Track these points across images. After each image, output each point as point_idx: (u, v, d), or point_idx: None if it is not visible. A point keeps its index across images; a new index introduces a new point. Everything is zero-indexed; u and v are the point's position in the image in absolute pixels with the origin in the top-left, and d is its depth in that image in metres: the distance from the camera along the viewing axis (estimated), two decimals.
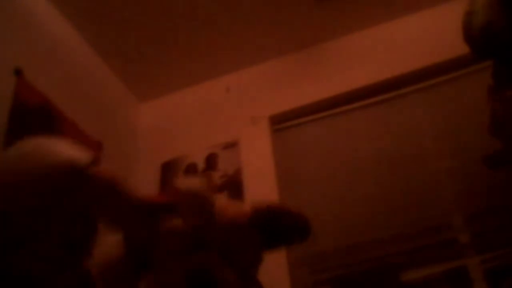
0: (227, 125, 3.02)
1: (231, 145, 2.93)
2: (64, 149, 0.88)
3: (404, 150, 2.62)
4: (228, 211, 1.08)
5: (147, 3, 2.72)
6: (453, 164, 2.49)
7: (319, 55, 3.05)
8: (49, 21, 2.58)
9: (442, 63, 2.71)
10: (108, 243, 0.97)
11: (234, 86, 3.13)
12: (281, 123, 2.98)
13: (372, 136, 2.74)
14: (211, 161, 2.94)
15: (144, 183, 2.96)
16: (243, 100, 3.07)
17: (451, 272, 2.30)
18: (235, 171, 2.84)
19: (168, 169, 3.00)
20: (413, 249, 2.38)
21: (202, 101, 3.17)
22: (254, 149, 2.88)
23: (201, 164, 2.95)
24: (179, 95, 3.24)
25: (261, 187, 2.73)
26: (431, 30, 2.81)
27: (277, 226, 1.11)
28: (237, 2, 2.78)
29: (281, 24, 2.92)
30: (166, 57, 3.03)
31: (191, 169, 2.96)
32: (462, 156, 2.46)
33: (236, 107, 3.05)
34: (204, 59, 3.08)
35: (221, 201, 1.15)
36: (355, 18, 2.94)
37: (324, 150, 2.81)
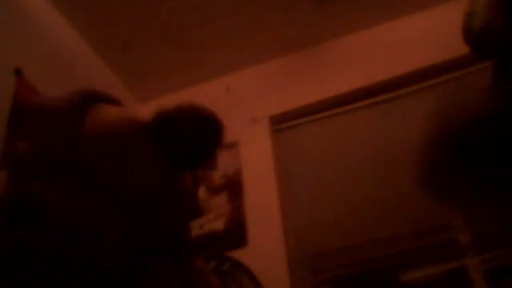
0: (227, 125, 2.99)
1: (231, 146, 2.93)
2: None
3: (404, 150, 2.61)
4: (109, 120, 0.77)
5: (147, 4, 2.72)
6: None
7: (319, 55, 3.05)
8: (49, 21, 2.58)
9: (442, 63, 2.71)
10: None
11: (234, 86, 3.14)
12: (281, 123, 2.98)
13: (372, 136, 2.74)
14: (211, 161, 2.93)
15: None
16: (243, 101, 3.07)
17: (451, 272, 2.30)
18: (235, 171, 2.84)
19: None
20: (413, 249, 2.38)
21: (202, 101, 3.15)
22: (254, 150, 2.88)
23: None
24: (179, 95, 3.24)
25: (261, 187, 2.74)
26: (431, 31, 2.81)
27: (180, 134, 0.81)
28: (237, 3, 2.78)
29: (281, 24, 2.92)
30: (166, 58, 3.03)
31: None
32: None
33: (236, 108, 3.05)
34: (204, 59, 3.08)
35: (104, 110, 0.80)
36: (355, 19, 2.94)
37: (324, 151, 2.81)
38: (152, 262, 0.69)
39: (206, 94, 3.18)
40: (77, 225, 0.65)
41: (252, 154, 2.87)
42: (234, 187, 2.80)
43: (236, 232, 2.64)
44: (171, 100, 3.21)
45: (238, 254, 2.55)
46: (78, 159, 0.68)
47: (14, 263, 0.64)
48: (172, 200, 0.77)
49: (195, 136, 0.83)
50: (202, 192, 2.86)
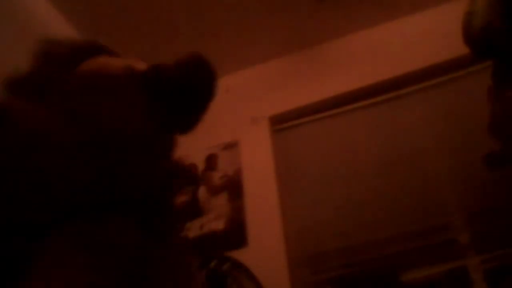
0: (227, 125, 3.02)
1: (231, 146, 2.93)
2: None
3: (405, 151, 2.62)
4: (105, 63, 0.75)
5: (146, 3, 2.72)
6: (453, 165, 2.49)
7: (319, 55, 3.05)
8: (49, 21, 2.58)
9: (442, 63, 2.71)
10: None
11: (234, 86, 3.13)
12: (281, 123, 2.98)
13: (372, 137, 2.74)
14: (211, 162, 2.94)
15: None
16: (243, 101, 3.07)
17: (451, 272, 2.30)
18: (235, 171, 2.84)
19: None
20: (413, 249, 2.38)
21: None
22: (254, 150, 2.88)
23: (201, 165, 2.95)
24: None
25: (261, 187, 2.74)
26: (431, 31, 2.81)
27: (172, 86, 0.77)
28: (236, 2, 2.78)
29: (281, 24, 2.92)
30: (166, 58, 3.03)
31: (190, 170, 2.96)
32: (462, 157, 2.46)
33: (236, 108, 3.05)
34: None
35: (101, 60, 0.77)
36: (355, 19, 2.94)
37: (325, 151, 2.81)
38: (105, 214, 0.60)
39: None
40: (35, 138, 0.61)
41: (252, 154, 2.87)
42: (234, 187, 2.80)
43: (236, 232, 2.64)
44: None
45: (238, 254, 2.55)
46: (62, 87, 0.67)
47: None
48: (152, 155, 0.72)
49: (186, 87, 0.79)
50: (202, 192, 2.86)
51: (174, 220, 0.72)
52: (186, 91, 0.77)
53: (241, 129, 2.96)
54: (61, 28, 2.67)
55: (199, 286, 0.72)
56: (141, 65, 0.76)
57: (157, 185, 0.70)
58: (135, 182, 0.66)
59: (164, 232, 0.69)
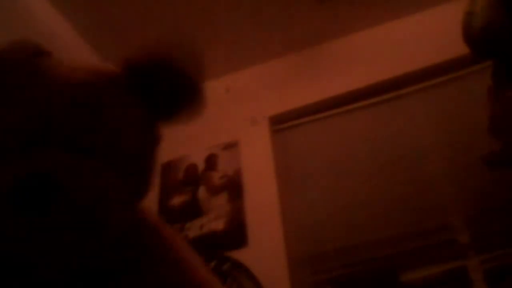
0: (227, 125, 3.02)
1: (231, 146, 2.93)
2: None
3: (404, 151, 2.62)
4: (77, 74, 0.65)
5: (146, 4, 2.72)
6: (453, 164, 2.49)
7: (319, 55, 3.05)
8: (50, 21, 2.58)
9: (442, 63, 2.71)
10: None
11: (234, 86, 3.14)
12: (281, 123, 2.98)
13: (372, 137, 2.74)
14: (211, 162, 2.94)
15: None
16: (243, 101, 3.07)
17: (451, 273, 2.30)
18: (235, 171, 2.84)
19: (168, 170, 3.00)
20: (413, 249, 2.38)
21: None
22: (254, 150, 2.88)
23: (201, 165, 2.95)
24: None
25: (261, 187, 2.74)
26: (431, 31, 2.81)
27: (158, 82, 0.71)
28: (236, 2, 2.78)
29: (281, 24, 2.92)
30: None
31: (190, 170, 2.96)
32: (462, 157, 2.46)
33: (236, 108, 3.05)
34: (204, 59, 3.08)
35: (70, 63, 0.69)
36: (355, 19, 2.94)
37: (324, 151, 2.81)
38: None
39: (206, 94, 3.18)
40: (97, 201, 0.55)
41: (252, 154, 2.87)
42: (234, 187, 2.80)
43: (236, 232, 2.64)
44: None
45: (238, 254, 2.55)
46: (60, 122, 0.57)
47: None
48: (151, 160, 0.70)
49: (171, 79, 0.75)
50: (202, 192, 2.86)
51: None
52: (168, 80, 0.74)
53: (241, 129, 2.96)
54: (62, 29, 2.67)
55: None
56: (106, 66, 0.71)
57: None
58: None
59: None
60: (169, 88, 0.72)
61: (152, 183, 0.67)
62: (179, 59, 0.76)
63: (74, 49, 2.74)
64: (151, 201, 2.90)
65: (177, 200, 2.88)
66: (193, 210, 2.81)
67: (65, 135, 0.58)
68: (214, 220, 2.73)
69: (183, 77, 0.76)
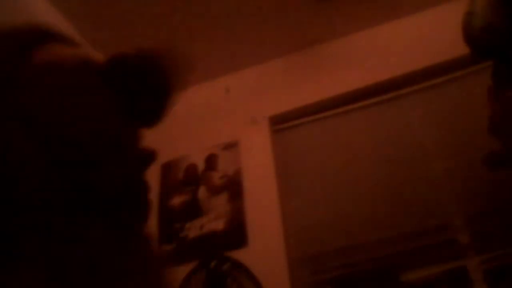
0: (227, 125, 3.02)
1: (231, 146, 2.93)
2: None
3: (404, 151, 2.62)
4: (59, 59, 0.66)
5: (146, 4, 2.72)
6: (453, 165, 2.49)
7: (319, 55, 3.05)
8: (50, 20, 2.58)
9: (442, 63, 2.71)
10: None
11: (234, 86, 3.14)
12: (281, 123, 2.98)
13: (372, 137, 2.74)
14: (211, 162, 2.94)
15: None
16: (243, 101, 3.07)
17: (451, 273, 2.30)
18: (235, 171, 2.84)
19: (168, 170, 3.00)
20: (413, 249, 2.38)
21: (202, 102, 3.17)
22: (254, 150, 2.88)
23: (201, 165, 2.95)
24: (179, 95, 3.24)
25: (261, 187, 2.74)
26: (431, 31, 2.81)
27: (134, 79, 0.71)
28: (236, 3, 2.78)
29: (281, 24, 2.92)
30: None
31: (191, 170, 2.96)
32: (462, 157, 2.46)
33: (236, 108, 3.05)
34: (204, 60, 3.08)
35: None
36: (355, 19, 2.94)
37: (324, 151, 2.81)
38: (82, 221, 0.58)
39: (206, 95, 3.18)
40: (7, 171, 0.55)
41: (252, 154, 2.87)
42: (234, 187, 2.80)
43: (236, 232, 2.64)
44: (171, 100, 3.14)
45: (238, 254, 2.55)
46: (15, 96, 0.59)
47: None
48: (122, 155, 0.67)
49: (149, 81, 0.74)
50: (202, 192, 2.86)
51: (143, 215, 0.69)
52: (149, 83, 0.73)
53: (241, 129, 2.96)
54: (60, 27, 2.67)
55: (166, 283, 0.65)
56: (97, 56, 0.70)
57: (128, 182, 0.66)
58: (107, 182, 0.64)
59: (133, 227, 0.67)
60: (140, 89, 0.71)
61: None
62: (163, 66, 0.76)
63: None
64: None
65: (177, 200, 2.88)
66: (193, 210, 2.81)
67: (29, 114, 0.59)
68: (214, 220, 2.73)
69: (158, 83, 0.75)
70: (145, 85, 0.73)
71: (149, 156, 0.75)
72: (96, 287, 0.56)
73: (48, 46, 0.68)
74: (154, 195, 2.97)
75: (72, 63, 0.67)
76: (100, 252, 0.58)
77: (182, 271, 2.57)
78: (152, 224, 2.81)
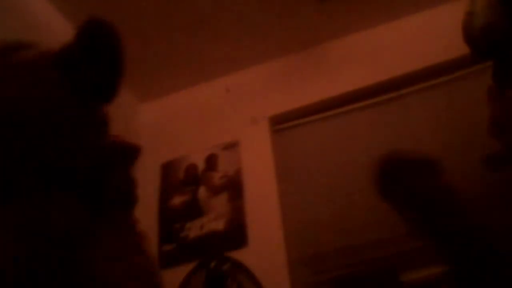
0: (227, 125, 3.02)
1: (231, 146, 2.93)
2: None
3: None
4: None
5: (146, 3, 2.72)
6: (453, 165, 2.48)
7: (320, 55, 3.05)
8: (50, 20, 2.58)
9: (443, 63, 2.71)
10: None
11: (234, 86, 3.14)
12: (281, 123, 2.98)
13: (373, 137, 2.74)
14: (211, 162, 2.94)
15: (144, 184, 2.96)
16: (243, 101, 3.08)
17: (451, 273, 2.29)
18: (235, 171, 2.84)
19: (168, 170, 3.00)
20: (413, 249, 2.38)
21: (202, 102, 3.17)
22: (254, 150, 2.88)
23: (201, 165, 2.95)
24: (179, 95, 3.24)
25: (261, 187, 2.74)
26: (432, 31, 2.81)
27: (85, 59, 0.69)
28: (237, 3, 2.78)
29: (281, 24, 2.92)
30: (166, 58, 3.03)
31: (191, 170, 2.96)
32: (463, 157, 2.46)
33: (236, 108, 3.06)
34: (204, 60, 3.08)
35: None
36: (356, 19, 2.94)
37: (325, 151, 2.81)
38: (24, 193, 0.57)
39: (206, 95, 3.18)
40: None
41: (252, 154, 2.87)
42: (234, 187, 2.80)
43: (236, 232, 2.64)
44: (171, 100, 3.21)
45: (238, 254, 2.55)
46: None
47: None
48: (78, 131, 0.66)
49: (91, 52, 0.71)
50: (202, 192, 2.86)
51: (119, 200, 0.67)
52: (93, 56, 0.72)
53: (241, 129, 2.96)
54: (63, 28, 2.67)
55: (150, 267, 0.64)
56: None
57: (91, 162, 0.66)
58: (64, 162, 0.63)
59: (107, 211, 0.66)
60: (92, 63, 0.71)
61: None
62: (99, 35, 0.74)
63: None
64: (151, 201, 2.90)
65: (177, 200, 2.88)
66: (193, 210, 2.81)
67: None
68: (214, 220, 2.73)
69: (106, 52, 0.74)
70: (95, 57, 0.71)
71: (129, 149, 0.73)
72: (64, 258, 0.55)
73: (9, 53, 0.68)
74: (154, 195, 2.98)
75: (23, 58, 0.67)
76: (73, 226, 0.57)
77: (182, 271, 2.58)
78: (152, 224, 2.82)
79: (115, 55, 0.75)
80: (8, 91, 0.61)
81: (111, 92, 0.75)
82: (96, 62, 0.69)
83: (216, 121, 3.07)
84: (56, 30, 2.63)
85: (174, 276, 2.57)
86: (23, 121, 0.60)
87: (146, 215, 2.86)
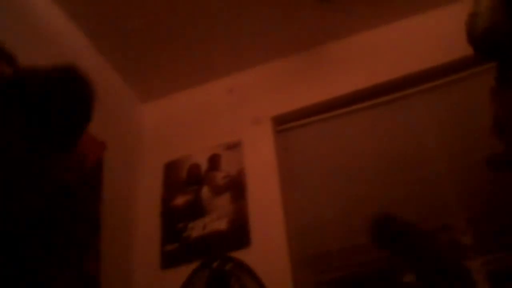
0: (230, 125, 3.02)
1: (234, 146, 2.93)
2: None
3: (407, 152, 2.62)
4: None
5: (150, 3, 2.72)
6: (455, 166, 2.49)
7: (322, 56, 3.05)
8: (50, 18, 2.58)
9: (445, 64, 2.71)
10: None
11: (237, 86, 3.14)
12: (284, 123, 2.98)
13: (375, 138, 2.74)
14: (214, 162, 2.94)
15: (147, 183, 2.97)
16: (246, 101, 3.08)
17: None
18: (238, 171, 2.85)
19: (171, 169, 3.00)
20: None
21: (205, 102, 3.17)
22: (257, 150, 2.88)
23: (204, 165, 2.95)
24: (182, 95, 3.24)
25: (264, 187, 2.74)
26: (434, 32, 2.81)
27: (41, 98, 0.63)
28: (240, 3, 2.78)
29: (284, 25, 2.92)
30: (169, 58, 3.04)
31: (194, 169, 2.96)
32: (465, 158, 2.46)
33: (239, 108, 3.06)
34: (207, 60, 3.09)
35: None
36: (358, 20, 2.94)
37: (327, 151, 2.81)
38: None
39: (209, 95, 3.19)
40: None
41: (255, 154, 2.87)
42: (237, 187, 2.80)
43: (239, 233, 2.65)
44: (174, 100, 3.22)
45: (241, 254, 2.55)
46: None
47: None
48: (27, 177, 0.64)
49: (55, 99, 0.68)
50: (205, 192, 2.86)
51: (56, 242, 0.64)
52: (56, 103, 0.68)
53: (244, 129, 2.97)
54: (63, 27, 2.67)
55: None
56: (6, 68, 0.65)
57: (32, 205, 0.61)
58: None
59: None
60: (53, 108, 0.66)
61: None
62: (71, 88, 0.70)
63: (78, 49, 2.75)
64: (154, 201, 2.91)
65: (180, 200, 2.88)
66: (196, 210, 2.81)
67: None
68: (217, 220, 2.73)
69: (72, 103, 0.70)
70: (53, 105, 0.68)
71: (67, 188, 0.69)
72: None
73: None
74: (157, 194, 2.99)
75: None
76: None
77: (184, 271, 2.58)
78: (155, 223, 2.82)
79: (86, 111, 0.71)
80: None
81: (69, 142, 0.69)
82: (64, 110, 0.65)
83: (219, 121, 3.07)
84: (58, 29, 2.63)
85: (177, 276, 2.58)
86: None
87: (149, 214, 2.87)
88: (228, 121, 3.04)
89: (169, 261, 2.69)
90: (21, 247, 0.57)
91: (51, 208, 0.62)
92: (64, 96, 0.66)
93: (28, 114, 0.63)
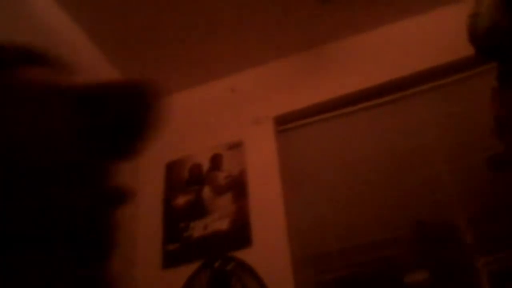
0: (231, 125, 3.03)
1: (236, 146, 2.94)
2: None
3: (409, 152, 2.62)
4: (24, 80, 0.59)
5: (152, 3, 2.73)
6: (456, 166, 2.49)
7: (324, 56, 3.05)
8: (50, 17, 2.59)
9: (446, 65, 2.71)
10: None
11: (239, 86, 3.14)
12: (285, 123, 2.98)
13: (376, 137, 2.74)
14: (215, 162, 2.94)
15: (149, 183, 2.97)
16: (247, 101, 3.08)
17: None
18: (240, 171, 2.85)
19: (172, 169, 3.01)
20: (417, 250, 2.38)
21: (207, 101, 3.18)
22: (259, 150, 2.89)
23: (206, 165, 2.96)
24: (184, 95, 3.25)
25: (266, 187, 2.74)
26: (436, 32, 2.81)
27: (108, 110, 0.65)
28: (242, 2, 2.78)
29: (286, 25, 2.93)
30: (171, 57, 3.04)
31: (195, 169, 2.97)
32: (466, 158, 2.46)
33: (241, 108, 3.06)
34: (209, 59, 3.09)
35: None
36: (360, 19, 2.94)
37: (329, 151, 2.81)
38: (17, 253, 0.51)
39: (211, 94, 3.19)
40: None
41: (256, 154, 2.87)
42: (238, 187, 2.80)
43: (240, 232, 2.65)
44: (175, 100, 3.24)
45: (242, 254, 2.56)
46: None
47: None
48: (83, 186, 0.63)
49: (123, 116, 0.67)
50: (206, 192, 2.87)
51: (108, 253, 0.61)
52: (123, 120, 0.67)
53: (245, 129, 2.97)
54: (64, 26, 2.68)
55: None
56: (76, 81, 0.63)
57: (85, 216, 0.60)
58: (61, 212, 0.58)
59: (98, 265, 0.61)
60: (116, 122, 0.65)
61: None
62: (142, 102, 0.69)
63: (79, 48, 2.76)
64: (155, 201, 2.91)
65: (181, 200, 2.89)
66: (198, 209, 2.81)
67: None
68: (218, 220, 2.74)
69: (135, 119, 0.69)
70: (122, 119, 0.68)
71: (119, 196, 0.67)
72: None
73: (27, 67, 0.62)
74: (158, 194, 2.99)
75: (42, 88, 0.60)
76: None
77: (186, 271, 2.58)
78: (157, 223, 2.83)
79: (148, 126, 0.70)
80: (8, 123, 0.55)
81: (130, 155, 0.68)
82: (126, 123, 0.65)
83: (221, 121, 3.07)
84: (59, 28, 2.64)
85: (178, 275, 2.58)
86: (19, 161, 0.54)
87: (150, 214, 2.88)
88: (230, 121, 3.04)
89: (170, 261, 2.69)
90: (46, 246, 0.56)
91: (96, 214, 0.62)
92: (141, 118, 0.66)
93: (96, 128, 0.63)
